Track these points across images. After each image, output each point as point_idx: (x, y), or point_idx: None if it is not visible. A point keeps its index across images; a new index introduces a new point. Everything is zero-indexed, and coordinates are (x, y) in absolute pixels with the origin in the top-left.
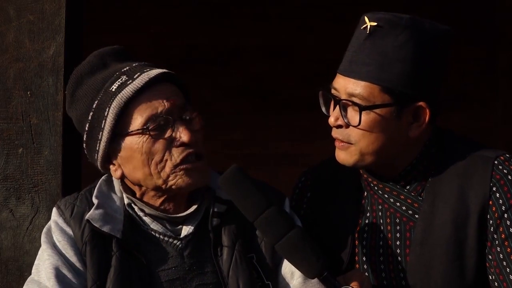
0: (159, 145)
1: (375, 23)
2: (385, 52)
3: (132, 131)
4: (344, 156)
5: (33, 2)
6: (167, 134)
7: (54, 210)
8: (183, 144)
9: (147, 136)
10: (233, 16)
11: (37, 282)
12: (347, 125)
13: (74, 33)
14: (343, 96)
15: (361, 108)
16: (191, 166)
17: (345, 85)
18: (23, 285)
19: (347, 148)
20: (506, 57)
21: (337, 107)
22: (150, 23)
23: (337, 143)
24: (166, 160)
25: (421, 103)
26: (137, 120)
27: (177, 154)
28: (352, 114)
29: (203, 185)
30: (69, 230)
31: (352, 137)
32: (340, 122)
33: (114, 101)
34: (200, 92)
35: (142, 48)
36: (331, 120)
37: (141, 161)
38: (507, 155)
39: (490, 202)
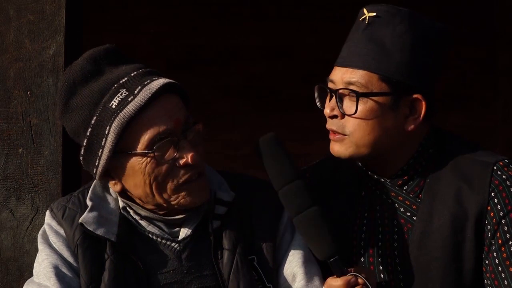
0: (163, 167)
1: (374, 13)
2: (384, 41)
3: (135, 152)
4: (338, 148)
5: (33, 2)
6: (171, 154)
7: (48, 212)
8: (186, 165)
9: (150, 158)
10: (233, 16)
11: (36, 284)
12: (343, 115)
13: (74, 33)
14: (340, 86)
15: (358, 95)
16: (193, 186)
17: (342, 75)
18: (23, 285)
19: (342, 140)
20: (506, 57)
21: (333, 98)
22: (150, 23)
23: (331, 136)
24: (169, 182)
25: (417, 95)
26: (140, 141)
27: (180, 175)
28: (349, 104)
29: (204, 202)
30: (62, 232)
31: (347, 127)
32: (335, 112)
33: (116, 120)
34: (200, 92)
35: (142, 48)
36: (327, 111)
37: (143, 181)
38: (506, 161)
39: (488, 208)
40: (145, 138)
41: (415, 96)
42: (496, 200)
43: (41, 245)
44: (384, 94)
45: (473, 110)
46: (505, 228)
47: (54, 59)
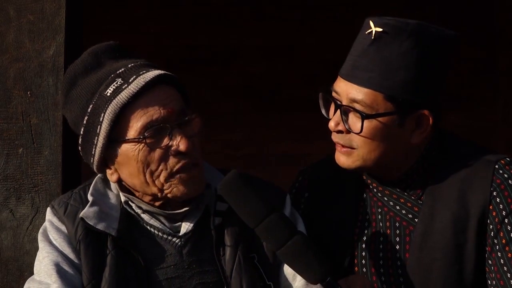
0: (155, 154)
1: (381, 29)
2: (389, 59)
3: (128, 139)
4: (345, 160)
5: (33, 2)
6: (164, 142)
7: (49, 209)
8: (180, 153)
9: (143, 144)
10: (233, 16)
11: (37, 281)
12: (348, 130)
13: (74, 33)
14: (345, 102)
15: (364, 117)
16: (186, 175)
17: (347, 90)
18: (23, 285)
19: (350, 154)
20: (506, 57)
21: (338, 111)
22: (150, 23)
23: (338, 147)
24: (162, 170)
25: (424, 111)
26: (133, 128)
27: (173, 164)
28: (354, 121)
29: (198, 193)
30: (64, 229)
31: (354, 142)
32: (340, 127)
33: (109, 106)
34: (200, 92)
35: (142, 48)
36: (332, 125)
37: (137, 169)
38: (508, 159)
39: (491, 207)
40: (138, 125)
41: (421, 112)
42: (498, 199)
43: (41, 243)
44: (389, 114)
45: (473, 110)
46: (509, 228)
47: (54, 59)
